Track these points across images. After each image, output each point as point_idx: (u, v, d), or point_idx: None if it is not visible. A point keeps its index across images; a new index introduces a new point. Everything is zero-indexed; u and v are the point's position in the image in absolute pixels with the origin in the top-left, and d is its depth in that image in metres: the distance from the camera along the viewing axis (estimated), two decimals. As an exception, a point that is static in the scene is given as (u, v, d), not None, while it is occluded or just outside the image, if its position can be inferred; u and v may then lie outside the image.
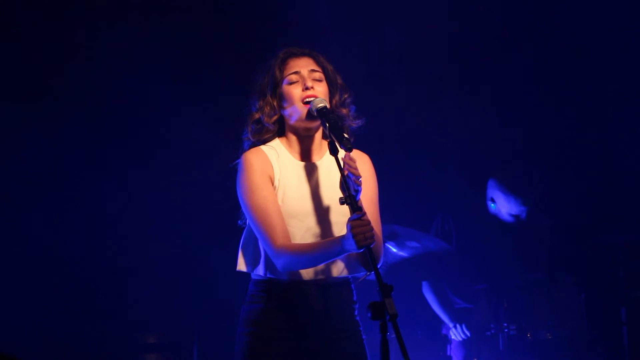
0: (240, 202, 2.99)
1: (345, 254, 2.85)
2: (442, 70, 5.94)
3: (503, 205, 5.33)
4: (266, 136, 3.05)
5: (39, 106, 5.39)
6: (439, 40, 5.89)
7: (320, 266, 2.95)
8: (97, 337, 5.44)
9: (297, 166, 3.01)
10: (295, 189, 2.97)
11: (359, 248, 2.69)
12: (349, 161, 2.76)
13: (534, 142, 6.06)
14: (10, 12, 5.29)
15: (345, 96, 3.07)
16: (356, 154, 3.06)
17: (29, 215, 5.39)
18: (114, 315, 5.49)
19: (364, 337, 3.03)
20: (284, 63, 3.03)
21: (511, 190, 5.30)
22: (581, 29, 5.75)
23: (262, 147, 3.03)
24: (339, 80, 3.08)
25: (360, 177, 2.75)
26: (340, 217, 2.95)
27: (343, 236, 2.76)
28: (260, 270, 2.96)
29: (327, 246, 2.83)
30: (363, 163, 3.08)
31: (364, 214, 2.71)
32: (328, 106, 2.94)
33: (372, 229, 2.70)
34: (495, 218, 5.42)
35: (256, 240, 2.98)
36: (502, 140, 6.02)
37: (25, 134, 5.40)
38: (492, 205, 5.38)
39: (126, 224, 5.52)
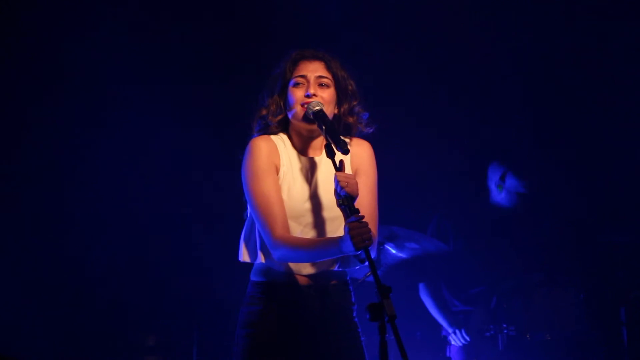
0: (244, 187, 3.00)
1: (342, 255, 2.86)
2: (441, 70, 5.94)
3: (514, 181, 5.33)
4: (270, 132, 3.07)
5: (38, 107, 5.40)
6: (437, 39, 5.89)
7: (318, 267, 2.95)
8: (97, 339, 5.43)
9: (301, 160, 3.03)
10: (298, 183, 2.99)
11: (357, 250, 2.70)
12: (341, 179, 2.76)
13: (533, 142, 6.06)
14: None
15: (354, 103, 3.07)
16: (356, 141, 3.08)
17: (27, 217, 5.39)
18: (114, 317, 5.49)
19: (362, 338, 3.04)
20: (294, 64, 3.05)
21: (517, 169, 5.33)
22: (584, 25, 5.75)
23: (271, 136, 3.05)
24: (350, 87, 3.08)
25: (346, 191, 2.74)
26: (335, 212, 2.96)
27: (341, 238, 2.76)
28: (259, 259, 2.97)
29: (324, 245, 2.83)
30: (363, 151, 3.09)
31: (363, 216, 2.71)
32: (325, 110, 2.94)
33: (369, 230, 2.70)
34: (495, 214, 5.41)
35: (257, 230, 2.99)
36: (503, 142, 6.02)
37: (22, 133, 5.40)
38: (500, 187, 5.37)
39: (125, 225, 5.52)
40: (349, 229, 2.69)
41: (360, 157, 3.04)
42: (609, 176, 5.90)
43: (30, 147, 5.40)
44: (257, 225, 2.95)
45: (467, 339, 5.18)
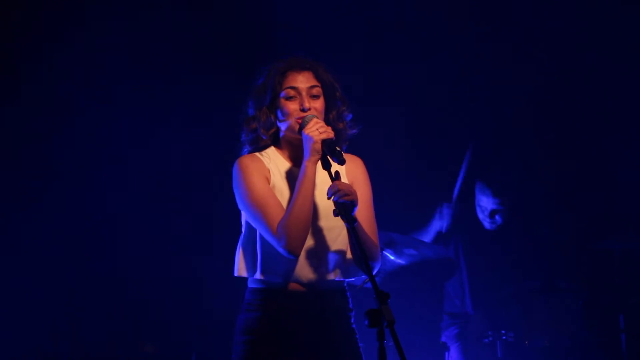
0: (240, 204, 2.98)
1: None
2: (439, 74, 5.94)
3: (482, 204, 5.33)
4: (261, 144, 3.06)
5: (40, 108, 5.41)
6: (431, 42, 5.89)
7: (317, 276, 2.95)
8: (95, 347, 5.43)
9: (292, 171, 3.01)
10: (289, 193, 2.97)
11: (312, 136, 2.81)
12: (343, 188, 2.76)
13: (533, 149, 6.06)
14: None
15: (343, 109, 3.07)
16: (348, 157, 3.06)
17: (26, 224, 5.38)
18: (112, 325, 5.48)
19: (360, 345, 3.03)
20: (283, 76, 3.02)
21: (486, 183, 5.29)
22: (585, 26, 5.76)
23: (257, 154, 3.04)
24: (338, 92, 3.07)
25: (345, 199, 2.74)
26: (333, 221, 2.94)
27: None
28: (257, 274, 2.95)
29: (299, 180, 2.86)
30: (356, 166, 3.09)
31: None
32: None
33: (322, 124, 2.84)
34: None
35: (254, 243, 2.97)
36: (503, 147, 6.02)
37: (24, 136, 5.41)
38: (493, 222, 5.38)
39: (123, 232, 5.51)
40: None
41: (354, 172, 3.04)
42: (608, 183, 5.90)
43: (28, 146, 5.40)
44: (262, 235, 2.92)
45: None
